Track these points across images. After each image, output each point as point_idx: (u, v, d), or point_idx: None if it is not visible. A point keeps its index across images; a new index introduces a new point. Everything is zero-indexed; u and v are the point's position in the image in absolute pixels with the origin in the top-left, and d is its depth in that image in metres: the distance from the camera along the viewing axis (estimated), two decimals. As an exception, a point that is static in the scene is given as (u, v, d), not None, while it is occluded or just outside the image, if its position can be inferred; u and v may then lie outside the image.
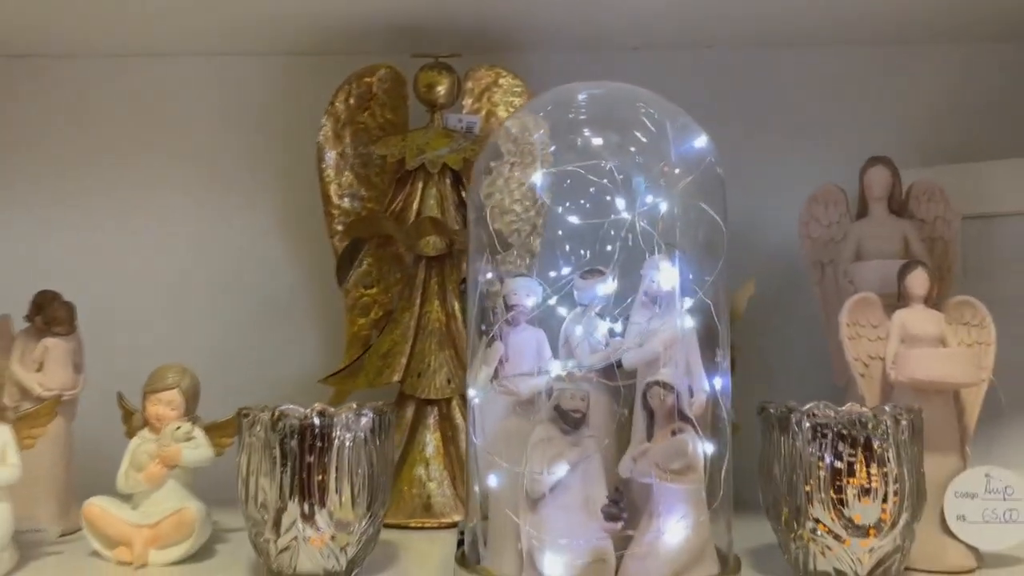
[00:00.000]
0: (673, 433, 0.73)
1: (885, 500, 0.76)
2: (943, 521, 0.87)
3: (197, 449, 0.92)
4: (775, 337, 1.24)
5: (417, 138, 1.17)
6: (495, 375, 0.79)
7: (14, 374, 1.03)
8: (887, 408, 0.81)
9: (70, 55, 1.32)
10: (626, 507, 0.73)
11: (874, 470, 0.76)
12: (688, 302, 0.78)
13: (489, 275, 0.81)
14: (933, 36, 1.26)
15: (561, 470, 0.74)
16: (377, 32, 1.23)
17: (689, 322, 0.80)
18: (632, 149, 0.77)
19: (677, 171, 0.75)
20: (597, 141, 0.77)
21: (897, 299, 0.95)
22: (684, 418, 0.74)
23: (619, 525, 0.72)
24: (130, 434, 0.96)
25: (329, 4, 1.15)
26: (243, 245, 1.31)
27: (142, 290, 1.30)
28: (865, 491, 0.76)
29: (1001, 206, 1.14)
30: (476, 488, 0.79)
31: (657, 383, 0.74)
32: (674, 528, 0.72)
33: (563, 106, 0.80)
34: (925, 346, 0.91)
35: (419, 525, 1.07)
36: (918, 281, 0.93)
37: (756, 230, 1.27)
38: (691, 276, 0.80)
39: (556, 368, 0.77)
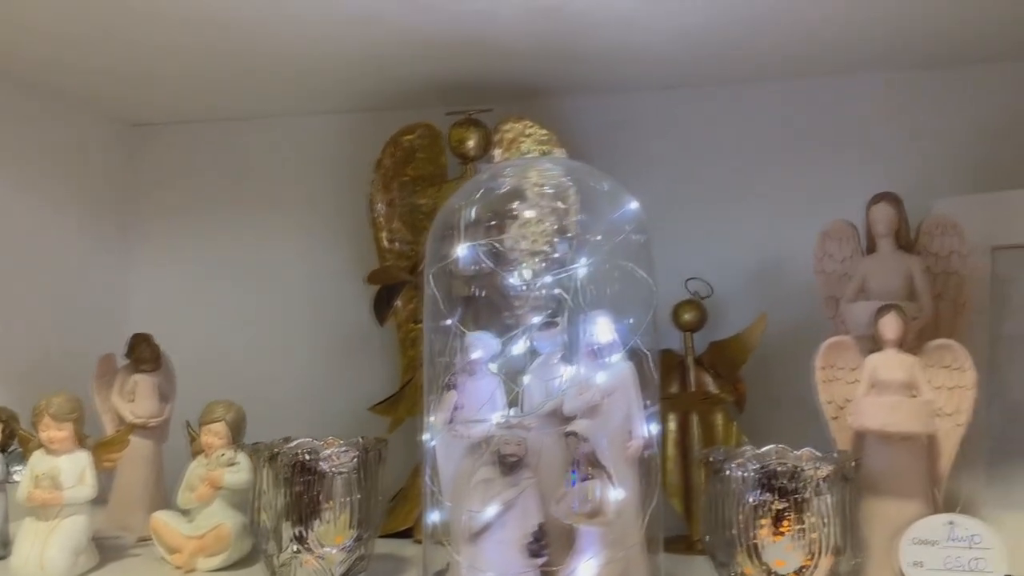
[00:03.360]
0: (583, 480, 0.80)
1: (807, 547, 0.79)
2: (907, 567, 0.88)
3: (237, 474, 1.08)
4: (795, 371, 1.24)
5: (451, 188, 1.28)
6: (451, 420, 0.89)
7: (113, 404, 1.23)
8: (817, 455, 0.83)
9: (178, 122, 1.54)
10: (547, 544, 0.80)
11: (792, 517, 0.79)
12: (618, 355, 0.84)
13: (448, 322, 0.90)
14: (969, 57, 1.22)
15: (492, 509, 0.82)
16: (424, 90, 1.35)
17: (628, 371, 0.87)
18: (560, 219, 0.84)
19: (599, 238, 0.81)
20: (529, 214, 0.85)
21: (872, 343, 0.96)
22: (598, 465, 0.80)
23: (540, 561, 0.80)
24: (194, 457, 1.14)
25: (384, 67, 1.28)
26: (321, 286, 1.48)
27: (235, 328, 1.50)
28: (782, 537, 0.80)
29: (1034, 236, 1.10)
30: (429, 522, 0.89)
31: (572, 433, 0.81)
32: (585, 566, 0.79)
33: (494, 182, 0.88)
34: (893, 392, 0.92)
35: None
36: (889, 325, 0.93)
37: (785, 264, 1.28)
38: (627, 330, 0.87)
39: (496, 416, 0.86)
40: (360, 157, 1.41)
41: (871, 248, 1.09)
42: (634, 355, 0.87)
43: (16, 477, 1.12)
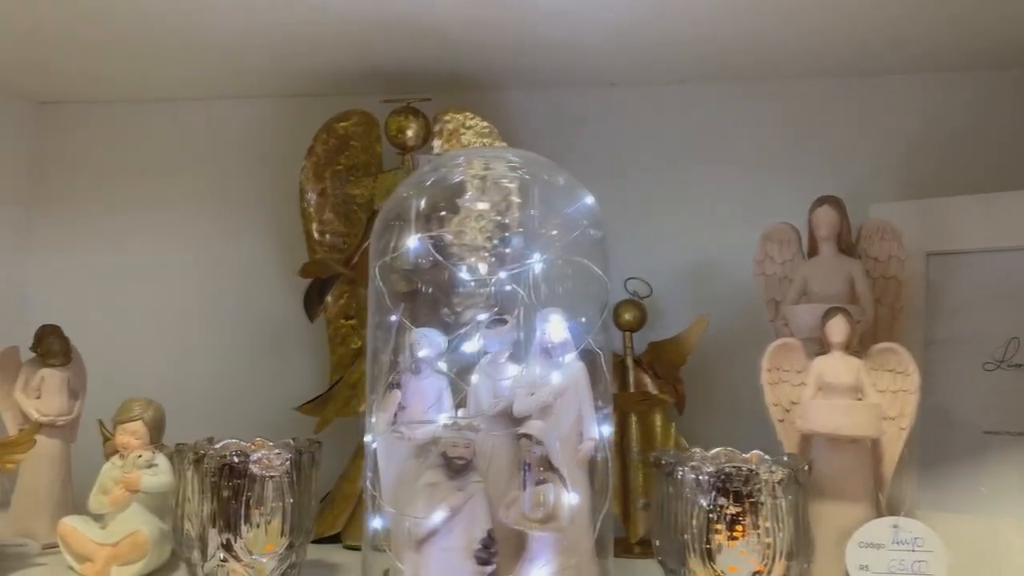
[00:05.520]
0: (537, 483, 0.77)
1: (760, 551, 0.78)
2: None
3: (156, 476, 1.01)
4: (731, 373, 1.24)
5: (387, 179, 1.24)
6: (394, 421, 0.84)
7: (16, 400, 1.14)
8: (768, 459, 0.82)
9: (91, 101, 1.44)
10: (496, 551, 0.77)
11: (745, 522, 0.78)
12: (572, 354, 0.82)
13: (393, 318, 0.85)
14: (906, 67, 1.24)
15: (439, 515, 0.78)
16: (359, 76, 1.30)
17: (580, 371, 0.84)
18: (514, 212, 0.81)
19: (554, 232, 0.78)
20: (482, 205, 0.81)
21: (819, 346, 0.95)
22: (552, 468, 0.77)
23: (489, 568, 0.77)
24: (108, 457, 1.06)
25: (316, 51, 1.22)
26: (243, 278, 1.40)
27: (150, 321, 1.41)
28: (737, 542, 0.78)
29: (966, 242, 1.12)
30: (371, 527, 0.84)
31: (525, 435, 0.78)
32: (538, 572, 0.76)
33: (447, 171, 0.84)
34: (840, 395, 0.92)
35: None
36: (836, 328, 0.93)
37: (723, 265, 1.28)
38: (580, 329, 0.84)
39: (443, 417, 0.82)
40: (290, 144, 1.35)
41: (813, 251, 1.09)
42: (585, 354, 0.84)
43: (-94, 480, 1.03)
